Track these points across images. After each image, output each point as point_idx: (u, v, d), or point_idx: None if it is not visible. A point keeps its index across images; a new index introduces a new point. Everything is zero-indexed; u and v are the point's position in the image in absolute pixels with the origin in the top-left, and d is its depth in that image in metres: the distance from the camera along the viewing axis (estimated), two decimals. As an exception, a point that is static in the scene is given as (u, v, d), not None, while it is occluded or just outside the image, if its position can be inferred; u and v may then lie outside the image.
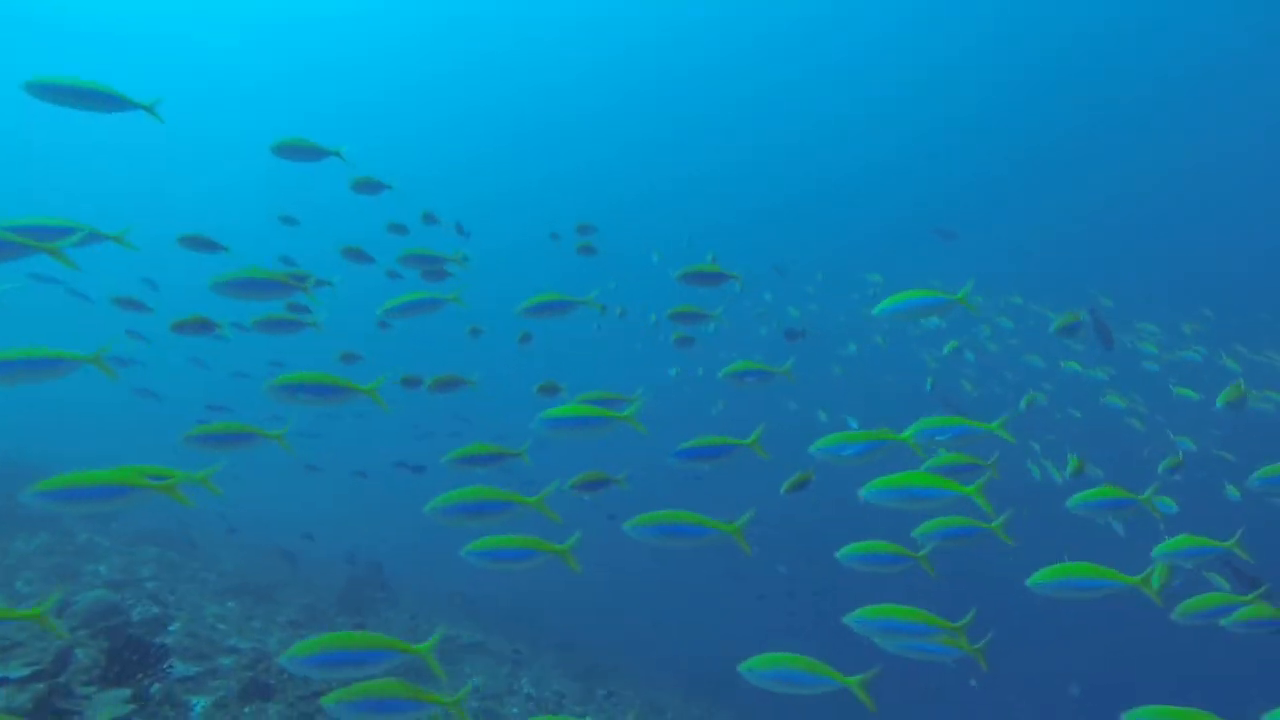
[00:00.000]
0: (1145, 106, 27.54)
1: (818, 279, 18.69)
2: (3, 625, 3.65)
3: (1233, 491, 6.49)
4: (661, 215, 34.30)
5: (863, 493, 3.66)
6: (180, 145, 36.05)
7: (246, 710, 4.47)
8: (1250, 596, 3.74)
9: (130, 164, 37.17)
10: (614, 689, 9.97)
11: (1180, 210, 30.28)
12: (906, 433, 3.77)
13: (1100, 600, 3.49)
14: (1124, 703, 2.90)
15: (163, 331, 5.15)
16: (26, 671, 3.53)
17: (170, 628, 6.05)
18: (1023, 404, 7.44)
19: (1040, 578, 3.45)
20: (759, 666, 3.08)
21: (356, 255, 6.40)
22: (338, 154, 5.22)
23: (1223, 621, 3.69)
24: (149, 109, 3.95)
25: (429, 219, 7.32)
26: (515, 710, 7.60)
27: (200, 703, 4.55)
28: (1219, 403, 5.35)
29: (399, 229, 7.42)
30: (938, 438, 3.85)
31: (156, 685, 4.31)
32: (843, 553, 3.74)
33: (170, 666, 4.52)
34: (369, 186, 6.07)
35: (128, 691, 3.93)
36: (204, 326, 4.82)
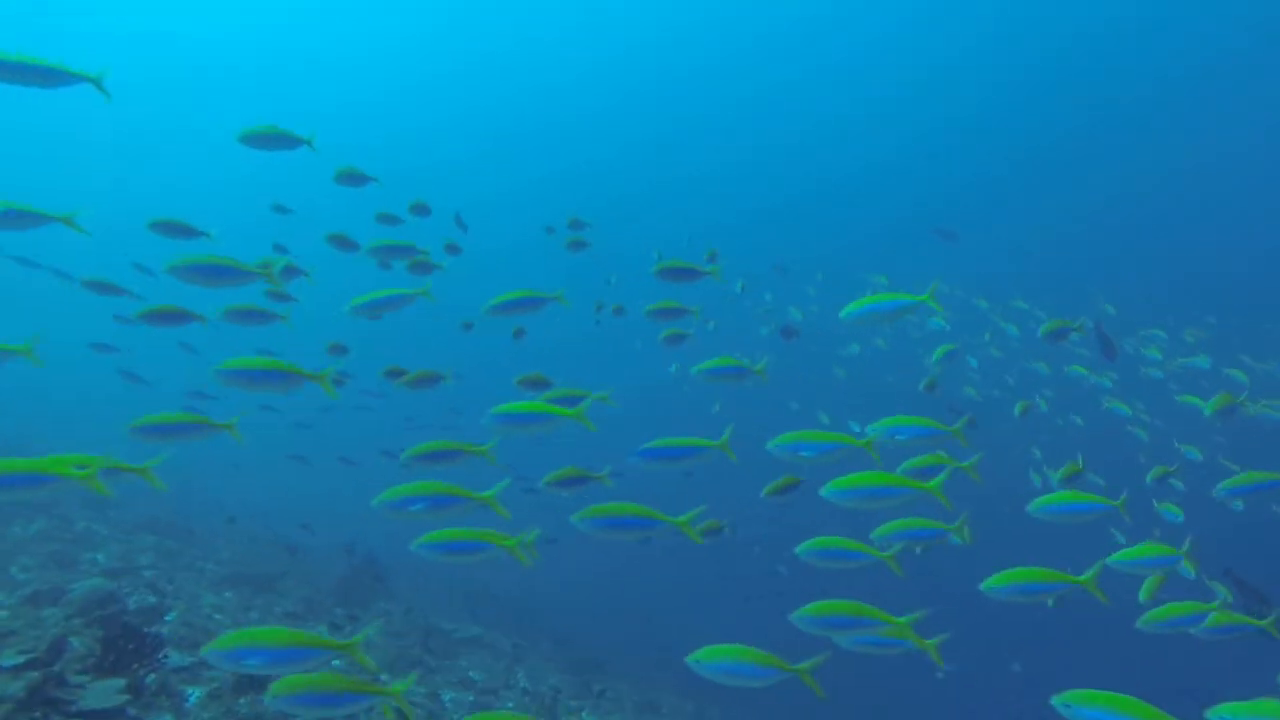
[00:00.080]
0: (1146, 106, 27.53)
1: (818, 279, 18.67)
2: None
3: (1236, 502, 6.47)
4: (662, 214, 34.28)
5: (823, 492, 3.65)
6: (178, 140, 36.07)
7: (241, 701, 4.46)
8: (1215, 604, 3.74)
9: (129, 161, 37.18)
10: (609, 684, 9.97)
11: (1182, 211, 30.25)
12: (872, 429, 3.77)
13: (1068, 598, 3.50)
14: (1064, 682, 2.91)
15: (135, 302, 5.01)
16: (20, 660, 3.52)
17: (167, 617, 6.04)
18: (1017, 410, 7.40)
19: (993, 582, 3.46)
20: (706, 659, 3.05)
21: (341, 243, 6.30)
22: (308, 143, 5.11)
23: (1193, 630, 3.69)
24: (95, 81, 3.79)
25: (419, 210, 7.12)
26: (511, 704, 7.59)
27: (195, 693, 4.54)
28: (1207, 411, 5.28)
29: (389, 219, 7.24)
30: (898, 436, 3.84)
31: (152, 675, 4.30)
32: (802, 548, 3.70)
33: (166, 656, 4.51)
34: (352, 179, 5.97)
35: (122, 681, 3.91)
36: (175, 316, 4.61)
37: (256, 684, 4.73)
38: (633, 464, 3.91)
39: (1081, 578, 3.46)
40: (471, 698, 7.41)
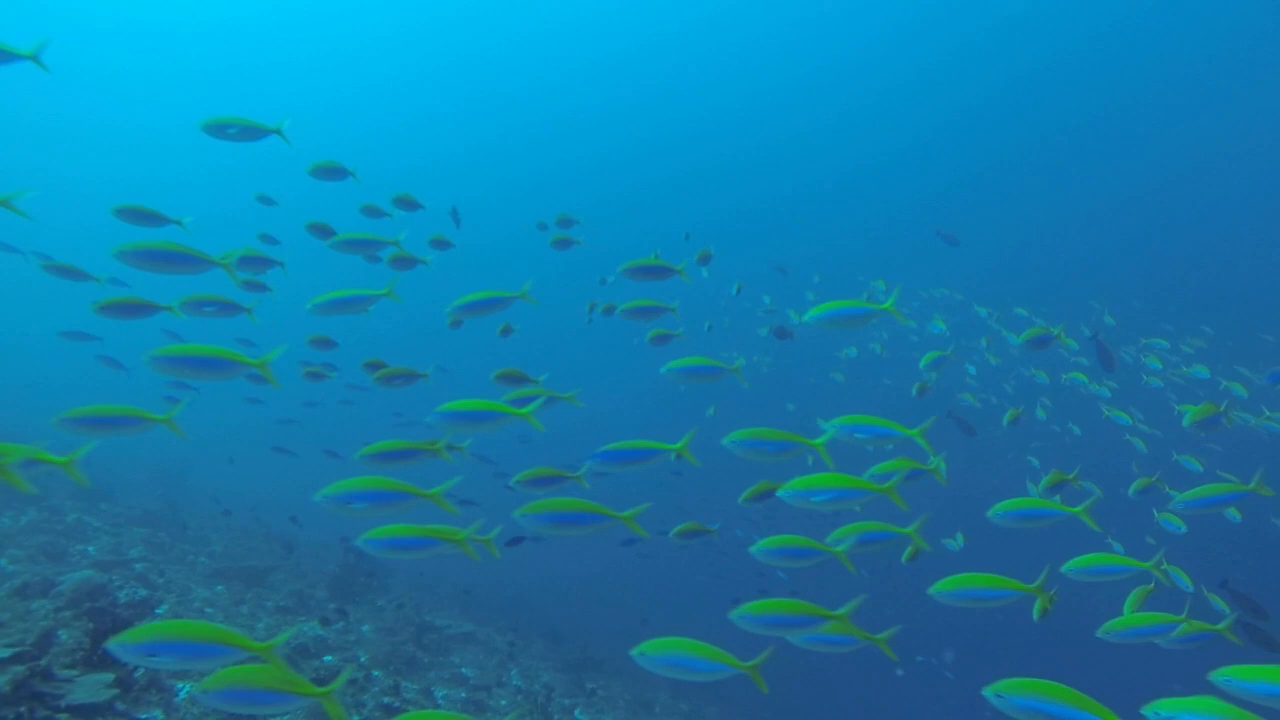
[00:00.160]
0: (1147, 108, 27.58)
1: (815, 281, 18.65)
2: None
3: (1234, 513, 6.45)
4: (662, 214, 34.30)
5: (780, 493, 3.67)
6: (176, 134, 35.92)
7: (231, 698, 4.41)
8: (1185, 618, 3.74)
9: (132, 157, 37.09)
10: (603, 683, 9.93)
11: (1183, 214, 30.30)
12: (828, 427, 3.77)
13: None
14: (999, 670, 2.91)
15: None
16: (7, 653, 3.46)
17: (158, 610, 5.99)
18: (1006, 419, 7.37)
19: (942, 587, 3.46)
20: (651, 651, 3.04)
21: (322, 232, 6.18)
22: (278, 131, 5.00)
23: (1159, 641, 3.69)
24: (33, 58, 3.74)
25: (403, 204, 6.96)
26: (504, 702, 7.55)
27: (185, 688, 4.49)
28: (1185, 422, 5.19)
29: (374, 212, 7.09)
30: (857, 435, 3.85)
31: (141, 669, 4.25)
32: (756, 548, 3.70)
33: (155, 651, 4.46)
34: (330, 173, 5.86)
35: (111, 675, 3.86)
36: (136, 309, 4.39)
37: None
38: (592, 466, 3.92)
39: (1031, 586, 3.46)
40: (464, 695, 7.37)
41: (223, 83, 35.64)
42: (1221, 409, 5.32)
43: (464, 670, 8.37)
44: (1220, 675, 2.75)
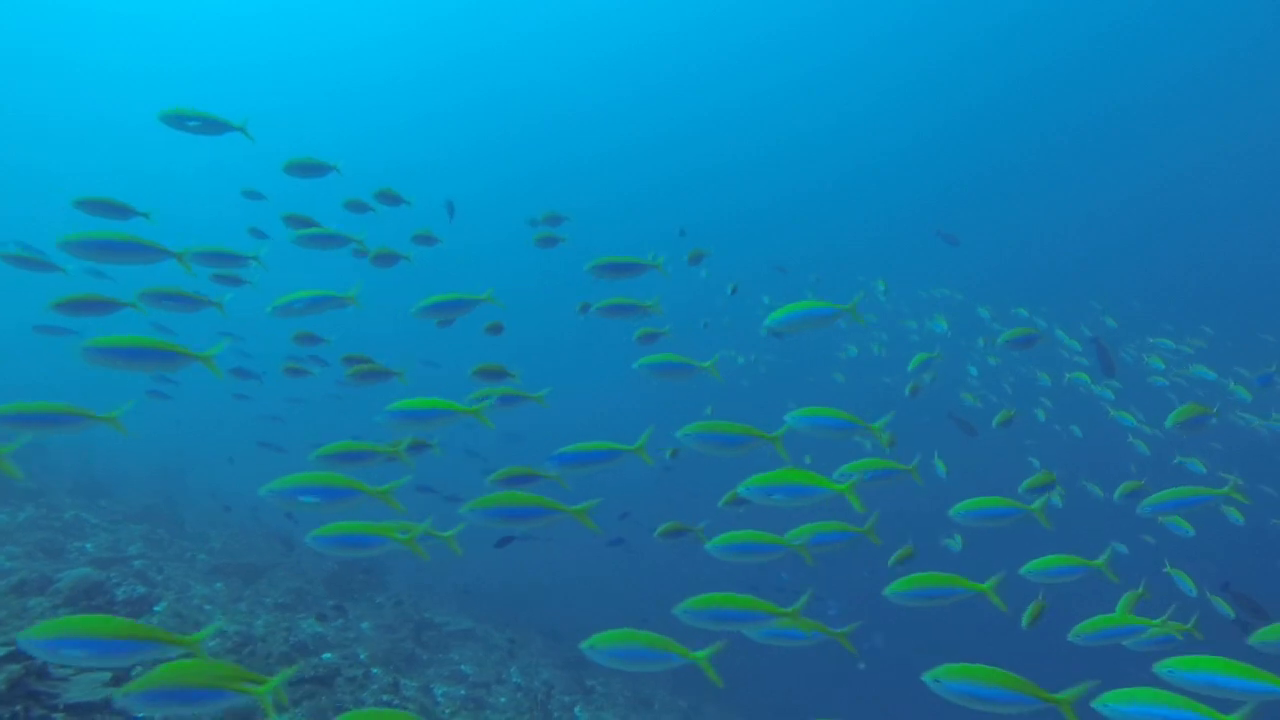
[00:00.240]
0: (1147, 108, 27.58)
1: (811, 279, 18.63)
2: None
3: (1235, 515, 6.43)
4: (663, 214, 34.24)
5: (740, 489, 3.67)
6: (176, 133, 35.82)
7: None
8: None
9: (132, 156, 37.03)
10: (602, 680, 9.92)
11: (1183, 214, 30.30)
12: (788, 418, 3.78)
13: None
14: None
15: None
16: (2, 651, 3.44)
17: (156, 608, 5.98)
18: (995, 421, 7.35)
19: (896, 588, 3.48)
20: (600, 644, 3.04)
21: (300, 225, 6.12)
22: (240, 129, 4.95)
23: (1126, 643, 3.72)
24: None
25: (387, 198, 6.84)
26: (504, 699, 7.54)
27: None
28: (1169, 423, 5.14)
29: (358, 206, 7.01)
30: (818, 431, 3.89)
31: (139, 668, 4.23)
32: (711, 544, 3.69)
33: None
34: (308, 169, 5.82)
35: (108, 674, 3.85)
36: (91, 305, 4.24)
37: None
38: (551, 469, 3.91)
39: (983, 585, 3.48)
40: (463, 692, 7.36)
41: (219, 81, 35.57)
42: (1214, 410, 5.29)
43: (463, 667, 8.36)
44: (1163, 667, 2.85)
